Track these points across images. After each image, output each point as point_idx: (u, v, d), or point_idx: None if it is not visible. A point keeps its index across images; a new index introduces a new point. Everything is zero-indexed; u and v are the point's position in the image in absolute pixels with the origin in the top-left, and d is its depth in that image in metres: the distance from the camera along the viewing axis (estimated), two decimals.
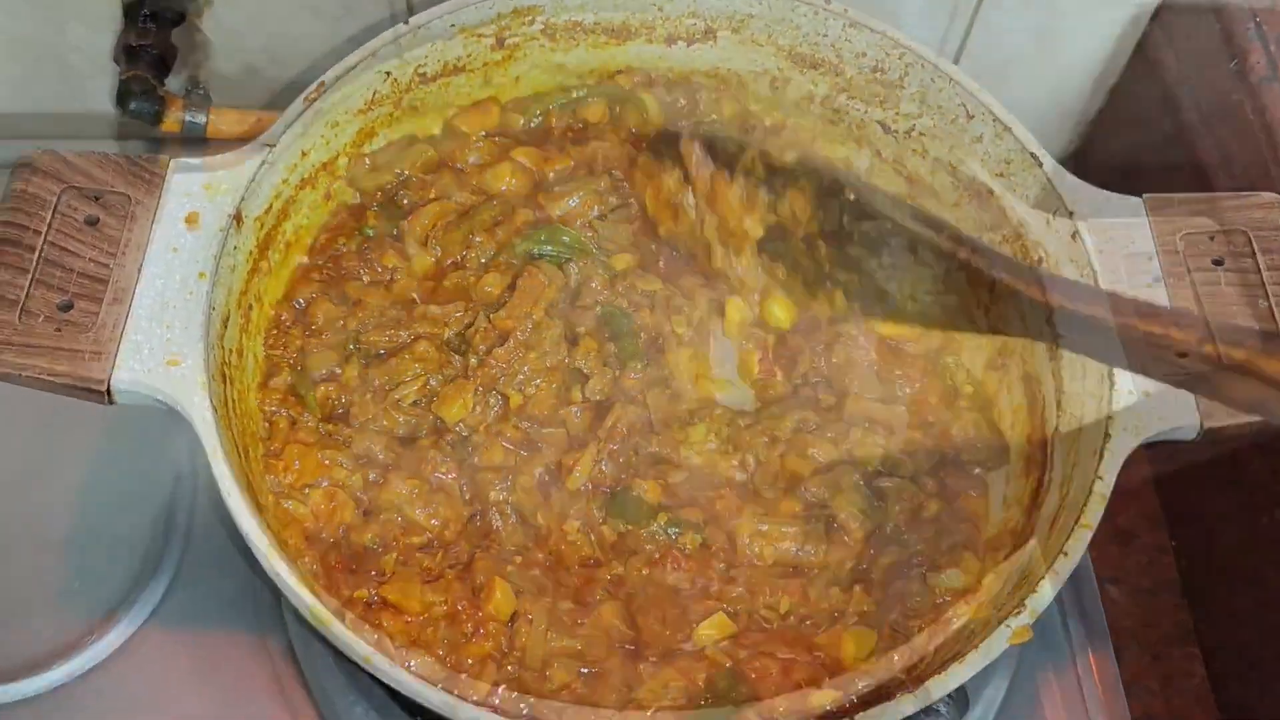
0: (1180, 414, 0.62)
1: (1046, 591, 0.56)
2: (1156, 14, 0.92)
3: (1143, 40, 0.95)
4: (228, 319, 0.65)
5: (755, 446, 0.70)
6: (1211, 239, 0.66)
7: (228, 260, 0.65)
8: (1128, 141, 1.00)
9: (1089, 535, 0.58)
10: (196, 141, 0.87)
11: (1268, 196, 0.69)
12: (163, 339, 0.62)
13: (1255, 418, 0.61)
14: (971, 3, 0.92)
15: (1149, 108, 0.97)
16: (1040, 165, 0.69)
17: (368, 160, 0.77)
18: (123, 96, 0.83)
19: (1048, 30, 0.95)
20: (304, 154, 0.71)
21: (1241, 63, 0.82)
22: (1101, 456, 0.60)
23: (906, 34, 0.93)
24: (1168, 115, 0.94)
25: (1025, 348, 0.72)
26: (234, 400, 0.64)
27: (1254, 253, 0.65)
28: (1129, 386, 0.62)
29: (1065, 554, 0.57)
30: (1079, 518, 0.58)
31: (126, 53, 0.84)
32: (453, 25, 0.75)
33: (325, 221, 0.75)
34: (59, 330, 0.61)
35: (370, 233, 0.76)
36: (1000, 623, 0.55)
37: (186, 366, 0.61)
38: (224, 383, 0.63)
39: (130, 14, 0.87)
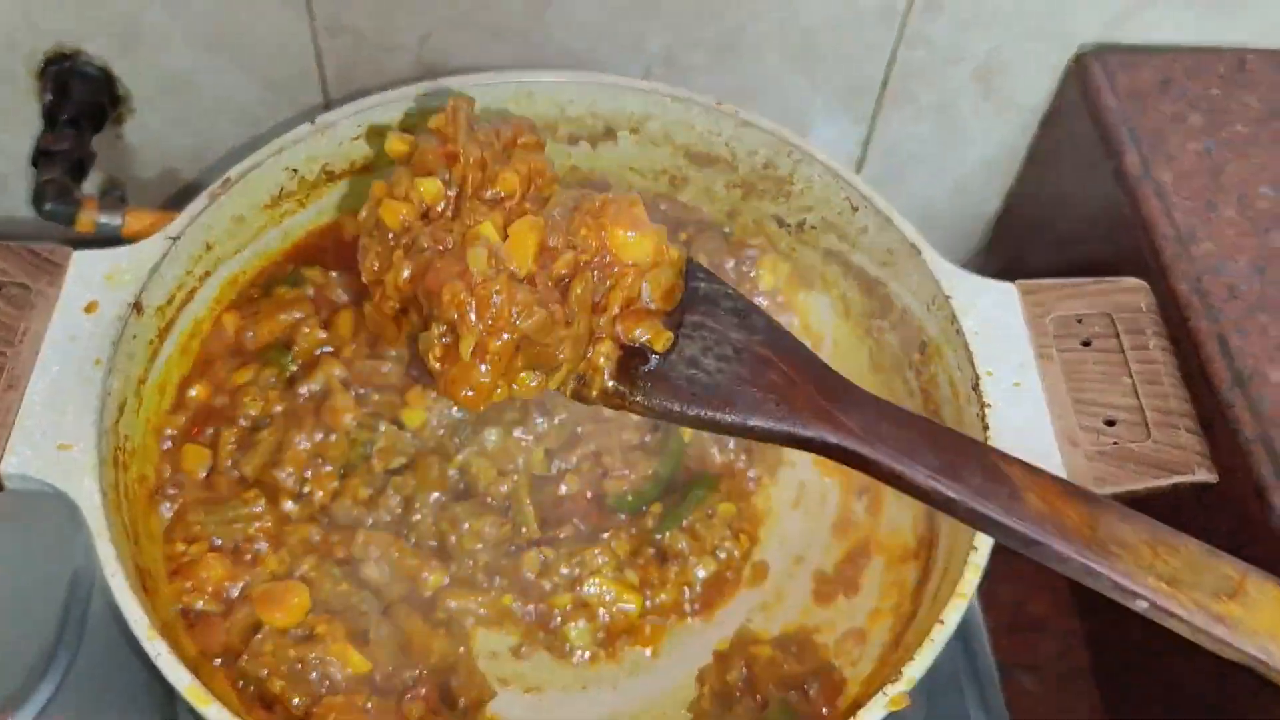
0: None
1: (924, 658, 0.57)
2: (1044, 120, 0.97)
3: (1033, 144, 0.99)
4: (124, 405, 0.66)
5: None
6: (1079, 321, 0.69)
7: (126, 347, 0.66)
8: (1028, 240, 1.05)
9: (964, 605, 0.59)
10: (113, 242, 0.88)
11: (1130, 281, 0.72)
12: (55, 424, 0.62)
13: (1124, 488, 0.63)
14: (870, 107, 0.97)
15: (1044, 208, 1.01)
16: (920, 254, 0.71)
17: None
18: (38, 198, 0.84)
19: (945, 135, 0.99)
20: (209, 246, 0.73)
21: (1118, 164, 0.86)
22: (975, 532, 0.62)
23: (813, 136, 0.98)
24: (1060, 215, 0.98)
25: None
26: (127, 485, 0.65)
27: (1118, 334, 0.68)
28: None
29: (942, 622, 0.58)
30: (955, 587, 0.59)
31: (44, 156, 0.86)
32: (359, 125, 0.77)
33: None
34: None
35: None
36: (878, 690, 0.56)
37: (78, 451, 0.61)
38: (116, 468, 0.64)
39: (50, 119, 0.89)
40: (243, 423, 0.71)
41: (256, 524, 0.67)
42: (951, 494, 0.53)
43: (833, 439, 0.55)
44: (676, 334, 0.58)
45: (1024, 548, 0.52)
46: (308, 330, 0.73)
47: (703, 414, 0.56)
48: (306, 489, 0.69)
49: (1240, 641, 0.47)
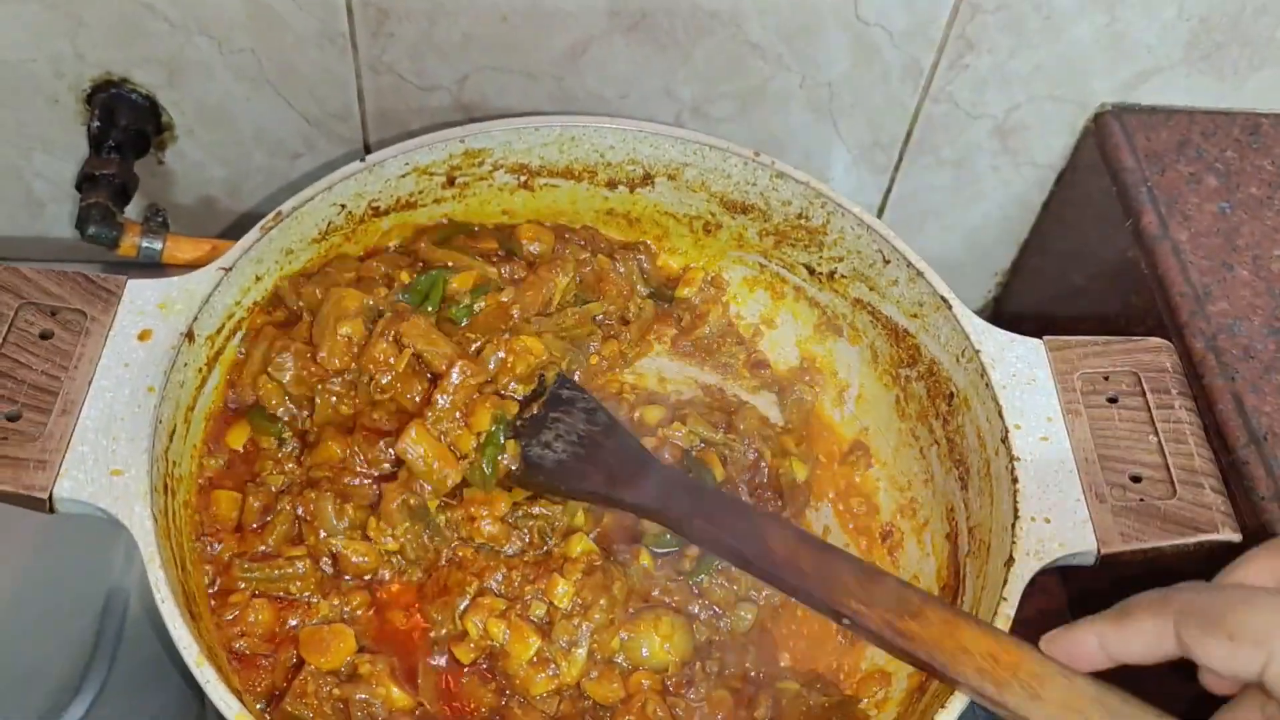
0: (1079, 540, 0.65)
1: (955, 708, 0.59)
2: (1061, 176, 0.99)
3: (1049, 199, 1.02)
4: (174, 432, 0.67)
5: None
6: (1106, 379, 0.71)
7: (177, 375, 0.67)
8: (1039, 292, 1.07)
9: None
10: (152, 267, 0.90)
11: (1155, 341, 0.74)
12: (108, 450, 0.63)
13: (1150, 544, 0.65)
14: (893, 160, 0.99)
15: (1057, 261, 1.03)
16: (950, 308, 0.73)
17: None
18: (82, 221, 0.86)
19: (962, 188, 1.01)
20: (258, 278, 0.74)
21: (1136, 222, 0.88)
22: (1006, 580, 0.63)
23: (834, 186, 1.00)
24: (1074, 268, 1.00)
25: (945, 480, 0.76)
26: (175, 511, 0.66)
27: (1144, 392, 0.70)
28: (1031, 513, 0.66)
29: None
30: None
31: (89, 180, 0.87)
32: (406, 164, 0.79)
33: None
34: (4, 439, 0.62)
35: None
36: None
37: (129, 477, 0.62)
38: (166, 494, 0.65)
39: (96, 144, 0.91)
40: (271, 486, 0.72)
41: (299, 582, 0.68)
42: (709, 535, 0.67)
43: (630, 499, 0.70)
44: (532, 418, 0.76)
45: (769, 580, 0.65)
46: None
47: (547, 482, 0.73)
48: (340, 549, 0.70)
49: (914, 648, 0.59)
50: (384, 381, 0.73)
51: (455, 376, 0.72)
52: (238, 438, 0.74)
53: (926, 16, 0.88)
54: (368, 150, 0.97)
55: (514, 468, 0.73)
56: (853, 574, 0.62)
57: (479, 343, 0.75)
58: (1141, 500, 0.66)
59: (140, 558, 0.60)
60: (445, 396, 0.72)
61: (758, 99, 0.94)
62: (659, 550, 0.73)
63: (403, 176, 0.79)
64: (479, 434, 0.72)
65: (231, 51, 0.89)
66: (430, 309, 0.77)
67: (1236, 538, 0.66)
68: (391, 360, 0.73)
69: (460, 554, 0.71)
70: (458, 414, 0.72)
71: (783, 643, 0.73)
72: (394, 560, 0.70)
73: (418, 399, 0.73)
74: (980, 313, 1.09)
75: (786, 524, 0.69)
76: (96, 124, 0.90)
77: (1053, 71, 0.91)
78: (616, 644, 0.69)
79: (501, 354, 0.75)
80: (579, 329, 0.81)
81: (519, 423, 0.75)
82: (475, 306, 0.77)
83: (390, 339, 0.73)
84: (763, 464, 0.78)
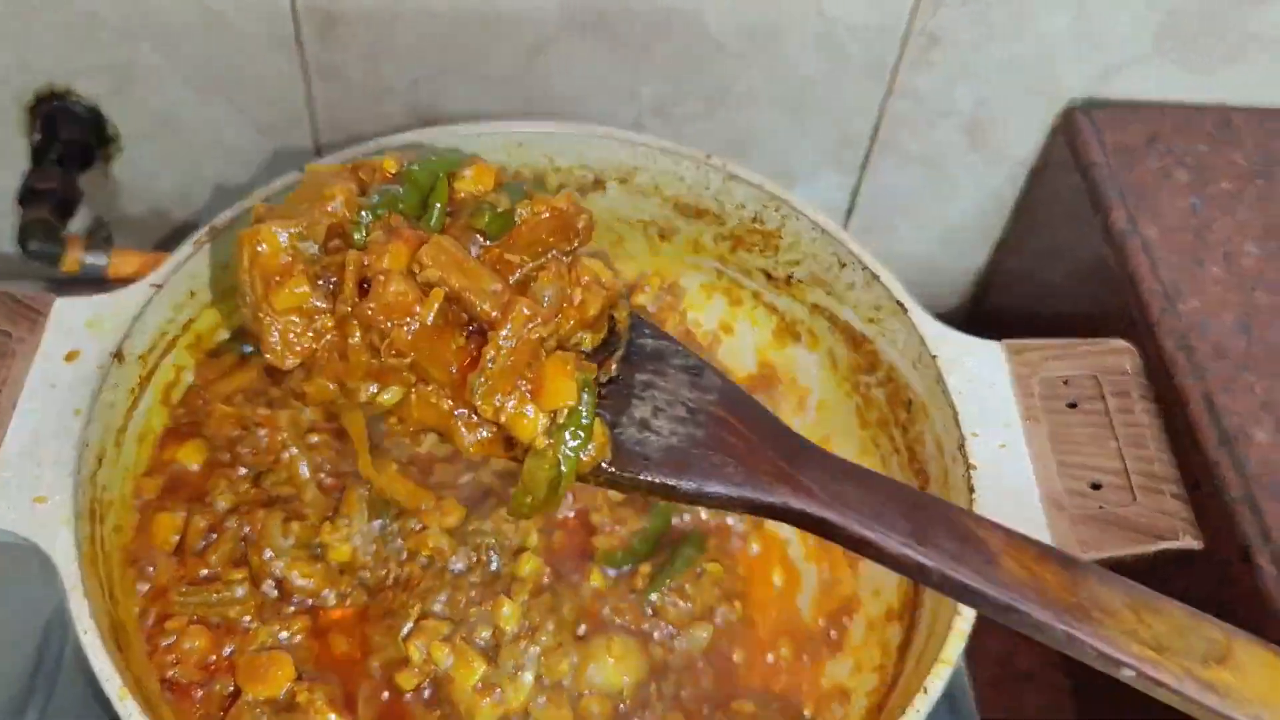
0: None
1: None
2: (1033, 173, 0.98)
3: (1022, 196, 1.00)
4: (103, 456, 0.65)
5: None
6: (1065, 383, 0.69)
7: (106, 397, 0.65)
8: (1016, 292, 1.05)
9: (949, 671, 0.58)
10: (97, 282, 0.88)
11: (1117, 343, 0.72)
12: (32, 476, 0.61)
13: (1109, 554, 0.63)
14: (860, 158, 0.98)
15: (1032, 260, 1.01)
16: (906, 311, 0.71)
17: None
18: (24, 237, 0.84)
19: (933, 186, 1.00)
20: (192, 294, 0.72)
21: (1105, 219, 0.86)
22: None
23: (802, 186, 0.98)
24: (1049, 267, 0.98)
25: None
26: (104, 538, 0.64)
27: (1103, 396, 0.68)
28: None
29: (925, 691, 0.57)
30: (939, 653, 0.58)
31: (30, 195, 0.86)
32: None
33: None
34: None
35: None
36: None
37: (53, 504, 0.60)
38: (94, 520, 0.63)
39: (38, 157, 0.89)
40: (219, 506, 0.69)
41: (238, 607, 0.66)
42: (923, 560, 0.50)
43: (795, 504, 0.52)
44: (611, 385, 0.55)
45: (1001, 615, 0.50)
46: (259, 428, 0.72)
47: (655, 480, 0.53)
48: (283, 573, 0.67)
49: (1233, 710, 0.46)
50: (406, 337, 0.51)
51: (515, 325, 0.51)
52: (192, 456, 0.71)
53: (889, 11, 0.86)
54: (320, 155, 0.95)
55: (604, 463, 0.52)
56: (1126, 601, 0.48)
57: (521, 270, 0.54)
58: (1101, 508, 0.64)
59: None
60: (500, 356, 0.50)
61: (722, 99, 0.92)
62: (610, 569, 0.71)
63: None
64: (553, 413, 0.51)
65: (179, 59, 0.87)
66: (431, 223, 0.56)
67: (1197, 545, 0.64)
68: (416, 305, 0.51)
69: (406, 570, 0.69)
70: (523, 383, 0.51)
71: (740, 662, 0.71)
72: (340, 580, 0.68)
73: (453, 367, 0.52)
74: (956, 313, 1.09)
75: (1016, 534, 0.52)
76: (38, 136, 0.88)
77: (1021, 65, 0.90)
78: (566, 668, 0.66)
79: (554, 289, 0.53)
80: None
81: (600, 390, 0.54)
82: (519, 213, 0.55)
83: (402, 274, 0.51)
84: None
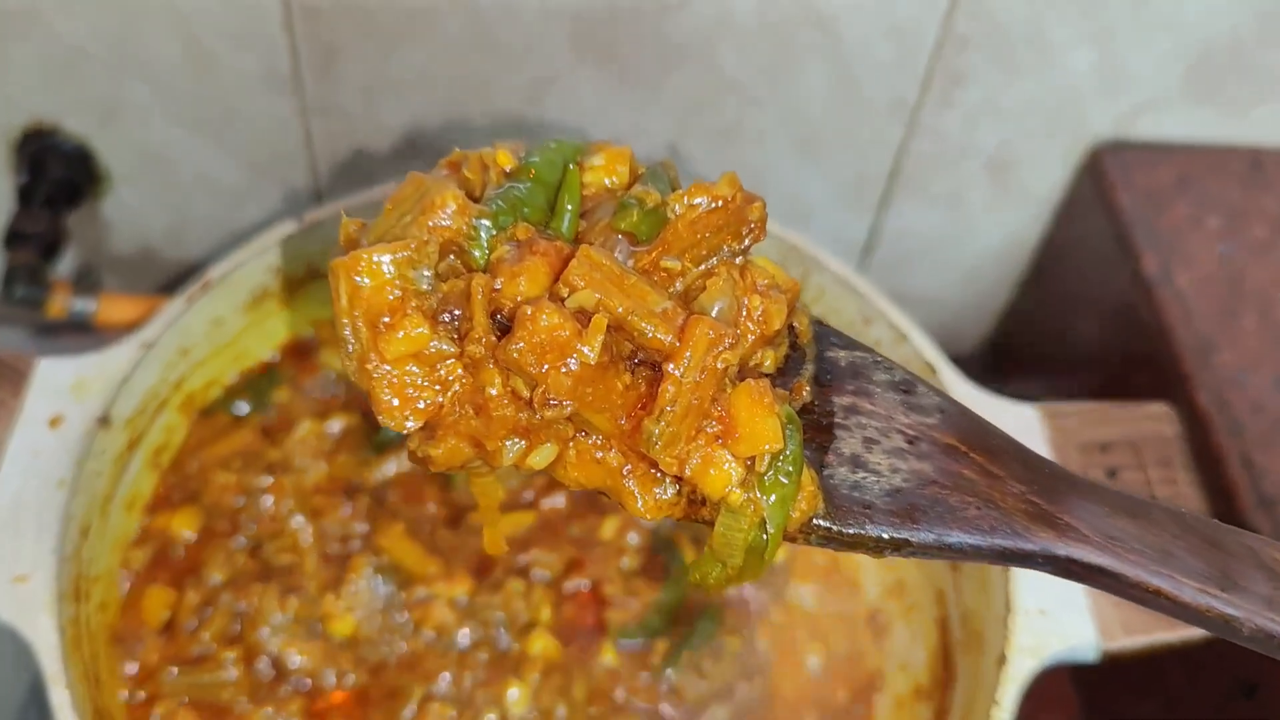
0: (1078, 634, 0.60)
1: None
2: (1058, 213, 0.95)
3: (1046, 237, 0.97)
4: (88, 529, 0.62)
5: None
6: (1103, 450, 0.66)
7: (92, 465, 0.62)
8: (1038, 336, 1.02)
9: None
10: (84, 328, 0.85)
11: (1156, 409, 0.69)
12: (12, 552, 0.58)
13: (1156, 638, 0.60)
14: (877, 197, 0.95)
15: (1057, 303, 0.99)
16: (936, 374, 0.68)
17: None
18: (9, 283, 0.81)
19: (955, 225, 0.98)
20: (184, 351, 0.69)
21: (1135, 266, 0.83)
22: (999, 680, 0.58)
23: (816, 222, 0.95)
24: (1073, 312, 0.96)
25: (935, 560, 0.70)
26: (88, 617, 0.60)
27: (1143, 465, 0.65)
28: (1026, 604, 0.61)
29: None
30: None
31: (15, 238, 0.83)
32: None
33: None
34: None
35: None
36: None
37: (35, 584, 0.57)
38: (77, 600, 0.59)
39: (24, 199, 0.86)
40: (213, 580, 0.66)
41: (231, 689, 0.62)
42: (1230, 610, 0.41)
43: (1062, 551, 0.42)
44: (805, 413, 0.44)
45: None
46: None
47: (884, 536, 0.42)
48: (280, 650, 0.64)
49: None
50: (565, 382, 0.39)
51: (696, 353, 0.39)
52: (185, 524, 0.68)
53: (911, 50, 0.84)
54: (318, 195, 0.92)
55: (817, 519, 0.42)
56: None
57: (684, 279, 0.42)
58: None
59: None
60: (682, 393, 0.39)
61: (734, 135, 0.91)
62: (625, 641, 0.68)
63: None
64: (749, 460, 0.40)
65: (169, 95, 0.85)
66: (564, 228, 0.43)
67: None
68: (576, 342, 0.39)
69: (409, 647, 0.65)
70: (710, 425, 0.40)
71: None
72: (340, 658, 0.65)
73: (620, 413, 0.41)
74: (976, 356, 1.06)
75: None
76: (25, 178, 0.85)
77: (1046, 105, 0.88)
78: None
79: (727, 301, 0.41)
80: None
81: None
82: (673, 208, 0.43)
83: (550, 301, 0.40)
84: None
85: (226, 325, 0.71)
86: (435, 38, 0.82)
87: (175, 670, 0.62)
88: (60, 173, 0.86)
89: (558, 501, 0.71)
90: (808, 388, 0.44)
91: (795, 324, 0.46)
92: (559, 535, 0.70)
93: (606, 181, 0.45)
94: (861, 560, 0.75)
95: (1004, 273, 1.01)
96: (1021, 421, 0.67)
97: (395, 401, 0.41)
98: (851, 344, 0.46)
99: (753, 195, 0.45)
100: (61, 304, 0.82)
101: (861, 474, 0.43)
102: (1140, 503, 0.43)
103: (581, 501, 0.72)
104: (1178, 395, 0.75)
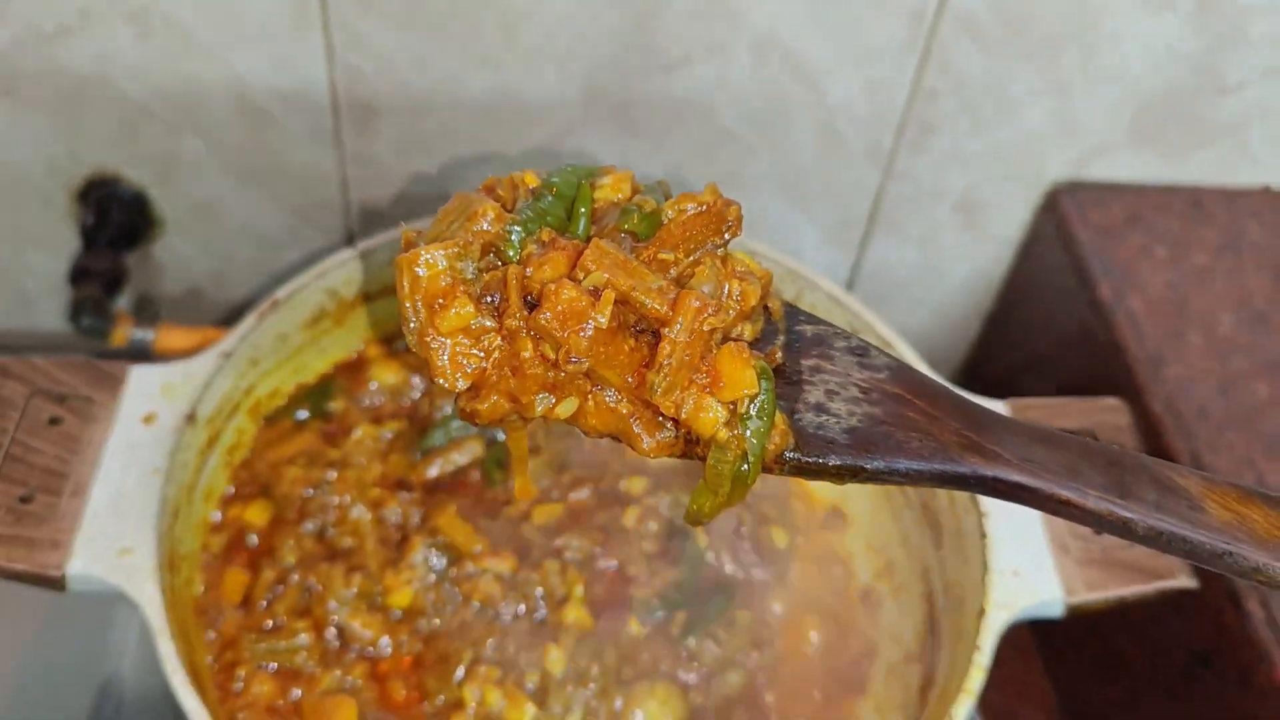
0: (1046, 590, 0.68)
1: None
2: (1020, 249, 1.04)
3: (1010, 272, 1.06)
4: (178, 512, 0.69)
5: None
6: None
7: (181, 456, 0.70)
8: (1007, 361, 1.11)
9: (971, 702, 0.63)
10: (144, 355, 0.92)
11: (1110, 401, 0.78)
12: (118, 530, 0.66)
13: (1112, 593, 0.68)
14: (860, 237, 1.04)
15: (1022, 330, 1.07)
16: None
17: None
18: (76, 313, 0.88)
19: (928, 262, 1.05)
20: (254, 362, 0.77)
21: (1092, 293, 0.92)
22: (979, 630, 0.66)
23: (806, 263, 1.04)
24: (1038, 338, 1.04)
25: (920, 542, 0.78)
26: (178, 589, 0.68)
27: None
28: (1000, 566, 0.69)
29: (950, 717, 0.62)
30: (961, 684, 0.63)
31: (82, 274, 0.90)
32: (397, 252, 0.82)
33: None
34: (19, 521, 0.64)
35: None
36: None
37: (138, 556, 0.64)
38: (171, 572, 0.67)
39: (89, 239, 0.93)
40: (286, 561, 0.74)
41: (303, 654, 0.70)
42: (1126, 514, 0.48)
43: (988, 471, 0.50)
44: (780, 373, 0.53)
45: (1214, 562, 0.48)
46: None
47: (843, 463, 0.51)
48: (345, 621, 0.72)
49: None
50: (583, 342, 0.49)
51: (686, 318, 0.49)
52: (258, 515, 0.76)
53: (886, 102, 0.92)
54: (351, 238, 1.00)
55: (789, 451, 0.51)
56: None
57: (677, 267, 0.52)
58: (1104, 550, 0.69)
59: (134, 642, 0.61)
60: (676, 350, 0.49)
61: (731, 181, 0.96)
62: (648, 615, 0.76)
63: (390, 263, 0.83)
64: (732, 404, 0.50)
65: (221, 149, 0.92)
66: (579, 230, 0.54)
67: (1193, 584, 0.69)
68: (590, 309, 0.49)
69: (458, 618, 0.73)
70: (699, 377, 0.50)
71: (772, 704, 0.75)
72: (398, 629, 0.72)
73: (628, 370, 0.51)
74: (951, 381, 1.13)
75: (1215, 479, 0.50)
76: (90, 220, 0.92)
77: (1008, 151, 0.96)
78: (612, 711, 0.71)
79: (712, 284, 0.51)
80: None
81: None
82: (666, 213, 0.54)
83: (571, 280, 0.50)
84: (743, 530, 0.80)
85: (289, 340, 0.79)
86: (461, 99, 0.90)
87: (254, 637, 0.70)
88: (121, 217, 0.93)
89: (583, 494, 0.80)
90: (780, 353, 0.54)
91: (769, 305, 0.56)
92: (586, 524, 0.78)
93: (614, 197, 0.56)
94: (853, 547, 0.83)
95: (974, 304, 1.09)
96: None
97: (449, 367, 0.52)
98: (816, 320, 0.57)
99: (730, 200, 0.55)
100: (124, 333, 0.89)
101: (825, 417, 0.52)
102: (1053, 433, 0.52)
103: (605, 496, 0.80)
104: (1133, 404, 0.83)
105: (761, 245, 0.83)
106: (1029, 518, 0.70)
